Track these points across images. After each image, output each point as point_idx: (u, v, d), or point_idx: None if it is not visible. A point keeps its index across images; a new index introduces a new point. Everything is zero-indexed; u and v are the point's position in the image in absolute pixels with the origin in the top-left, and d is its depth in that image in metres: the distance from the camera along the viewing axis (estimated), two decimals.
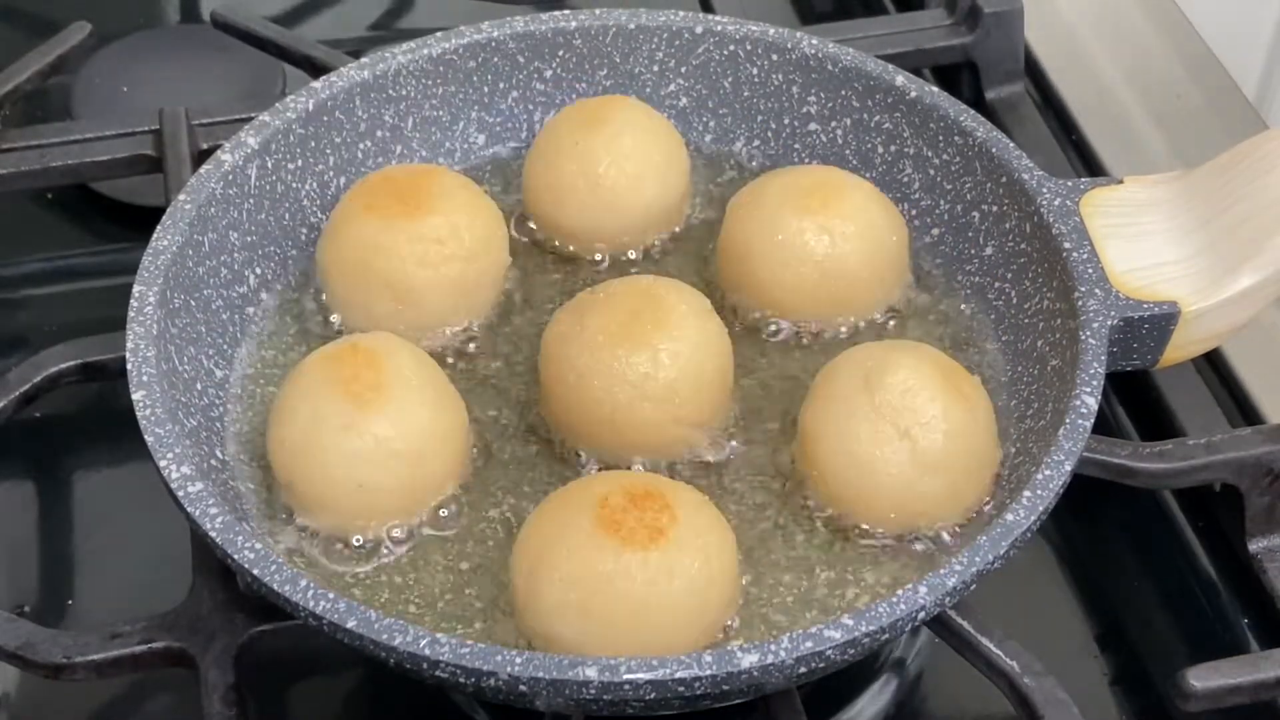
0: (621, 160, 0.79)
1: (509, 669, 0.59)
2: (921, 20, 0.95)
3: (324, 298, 0.77)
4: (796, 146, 0.84)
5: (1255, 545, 0.74)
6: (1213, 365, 0.82)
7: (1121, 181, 0.77)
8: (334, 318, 0.77)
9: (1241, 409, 0.81)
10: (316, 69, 0.87)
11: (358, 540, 0.69)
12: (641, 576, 0.63)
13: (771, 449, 0.73)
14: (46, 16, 1.00)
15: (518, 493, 0.72)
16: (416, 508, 0.70)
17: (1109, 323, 0.71)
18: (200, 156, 0.85)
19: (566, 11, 0.84)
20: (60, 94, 0.95)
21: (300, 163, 0.80)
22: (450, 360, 0.76)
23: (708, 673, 0.59)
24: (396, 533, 0.70)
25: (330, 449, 0.68)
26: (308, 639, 0.63)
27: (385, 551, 0.69)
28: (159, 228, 0.73)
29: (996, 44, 0.93)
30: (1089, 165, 0.92)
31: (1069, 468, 0.66)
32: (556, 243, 0.81)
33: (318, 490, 0.68)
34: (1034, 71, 0.97)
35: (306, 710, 0.73)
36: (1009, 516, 0.64)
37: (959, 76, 0.95)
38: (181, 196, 0.75)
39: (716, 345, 0.72)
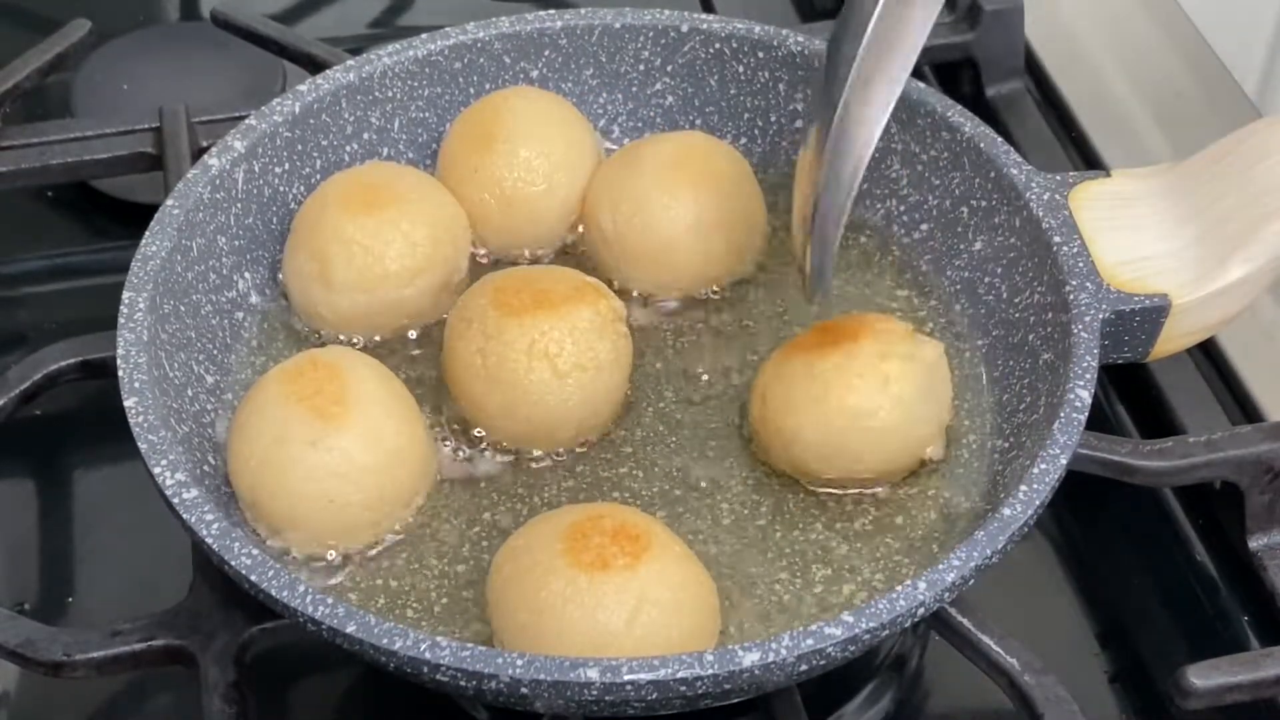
0: (526, 174, 0.79)
1: (510, 671, 0.59)
2: None
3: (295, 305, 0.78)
4: (784, 144, 0.84)
5: (1255, 543, 0.74)
6: (1213, 362, 0.82)
7: (1110, 174, 0.77)
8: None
9: (1242, 406, 0.81)
10: (317, 66, 0.87)
11: (331, 555, 0.69)
12: (608, 607, 0.63)
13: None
14: (46, 14, 1.00)
15: (511, 494, 0.72)
16: (385, 520, 0.70)
17: (1100, 316, 0.71)
18: (200, 154, 0.85)
19: (552, 11, 0.84)
20: (60, 91, 0.95)
21: (287, 166, 0.79)
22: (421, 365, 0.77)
23: (709, 672, 0.59)
24: (381, 541, 0.70)
25: (298, 465, 0.68)
26: (308, 636, 0.63)
27: (371, 560, 0.69)
28: (147, 233, 0.73)
29: (997, 41, 0.93)
30: (1089, 162, 0.92)
31: (1064, 461, 0.66)
32: (488, 254, 0.81)
33: (287, 508, 0.68)
34: (1034, 69, 0.97)
35: (307, 708, 0.74)
36: (1005, 511, 0.64)
37: (959, 74, 0.95)
38: (169, 201, 0.75)
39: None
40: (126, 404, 0.67)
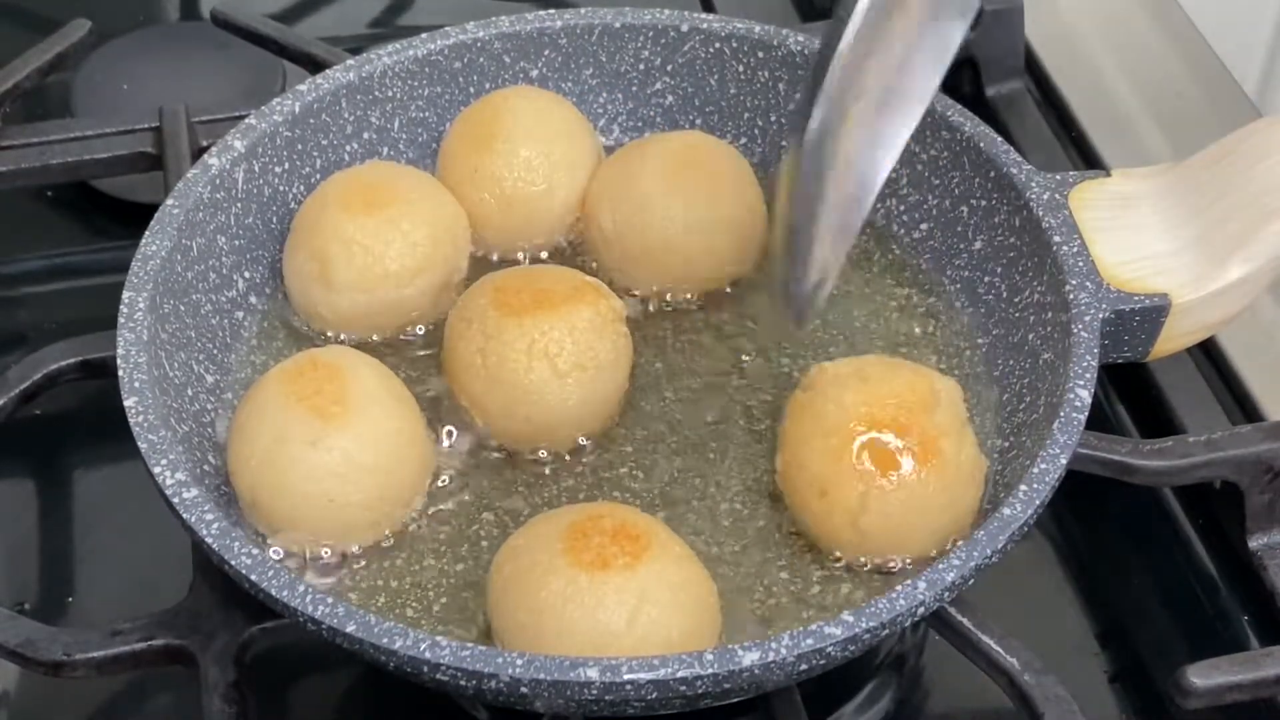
0: (526, 174, 0.79)
1: (510, 671, 0.59)
2: None
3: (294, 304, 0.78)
4: (784, 144, 0.84)
5: (1255, 542, 0.74)
6: (1212, 362, 0.82)
7: (1110, 174, 0.77)
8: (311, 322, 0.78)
9: (1241, 406, 0.81)
10: (317, 66, 0.87)
11: (329, 554, 0.69)
12: (608, 607, 0.63)
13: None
14: (46, 14, 1.00)
15: (510, 494, 0.72)
16: (385, 520, 0.70)
17: (1100, 315, 0.71)
18: (200, 154, 0.85)
19: (552, 11, 0.84)
20: (60, 91, 0.95)
21: (287, 166, 0.79)
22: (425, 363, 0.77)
23: (709, 671, 0.59)
24: (381, 541, 0.70)
25: (298, 465, 0.68)
26: (308, 636, 0.63)
27: (370, 560, 0.69)
28: (147, 232, 0.73)
29: (997, 41, 0.93)
30: (1089, 162, 0.92)
31: (1064, 461, 0.66)
32: (488, 254, 0.81)
33: (287, 508, 0.68)
34: (1034, 68, 0.97)
35: (307, 707, 0.74)
36: (1005, 511, 0.64)
37: (959, 73, 0.95)
38: (169, 201, 0.75)
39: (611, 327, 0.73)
40: (126, 404, 0.67)
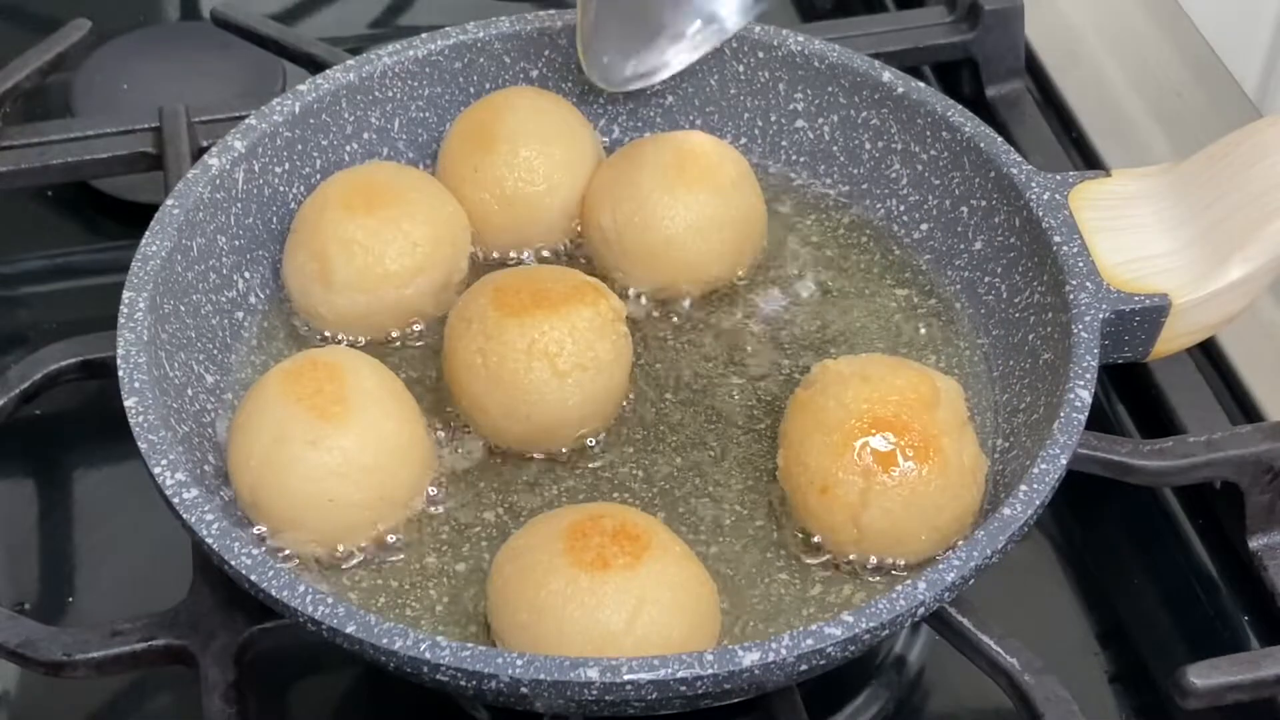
0: (527, 174, 0.79)
1: (510, 671, 0.59)
2: (922, 18, 0.95)
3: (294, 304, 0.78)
4: (784, 144, 0.84)
5: (1255, 543, 0.74)
6: (1213, 362, 0.82)
7: (1110, 174, 0.77)
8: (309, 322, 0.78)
9: (1242, 406, 0.81)
10: (317, 66, 0.87)
11: (329, 554, 0.69)
12: (608, 607, 0.63)
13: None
14: (46, 14, 1.00)
15: (511, 494, 0.72)
16: (385, 520, 0.70)
17: (1100, 316, 0.71)
18: (200, 154, 0.85)
19: (552, 11, 0.84)
20: (60, 91, 0.95)
21: (287, 166, 0.79)
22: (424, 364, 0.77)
23: (709, 672, 0.59)
24: (381, 541, 0.70)
25: (298, 465, 0.67)
26: (308, 636, 0.63)
27: (370, 560, 0.69)
28: (147, 233, 0.73)
29: (997, 41, 0.94)
30: (1089, 162, 0.92)
31: (1064, 461, 0.66)
32: (488, 254, 0.81)
33: (287, 508, 0.68)
34: (1034, 69, 0.97)
35: (307, 707, 0.74)
36: (1005, 511, 0.64)
37: (959, 74, 0.95)
38: (169, 201, 0.75)
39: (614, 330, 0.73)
40: (126, 404, 0.67)
